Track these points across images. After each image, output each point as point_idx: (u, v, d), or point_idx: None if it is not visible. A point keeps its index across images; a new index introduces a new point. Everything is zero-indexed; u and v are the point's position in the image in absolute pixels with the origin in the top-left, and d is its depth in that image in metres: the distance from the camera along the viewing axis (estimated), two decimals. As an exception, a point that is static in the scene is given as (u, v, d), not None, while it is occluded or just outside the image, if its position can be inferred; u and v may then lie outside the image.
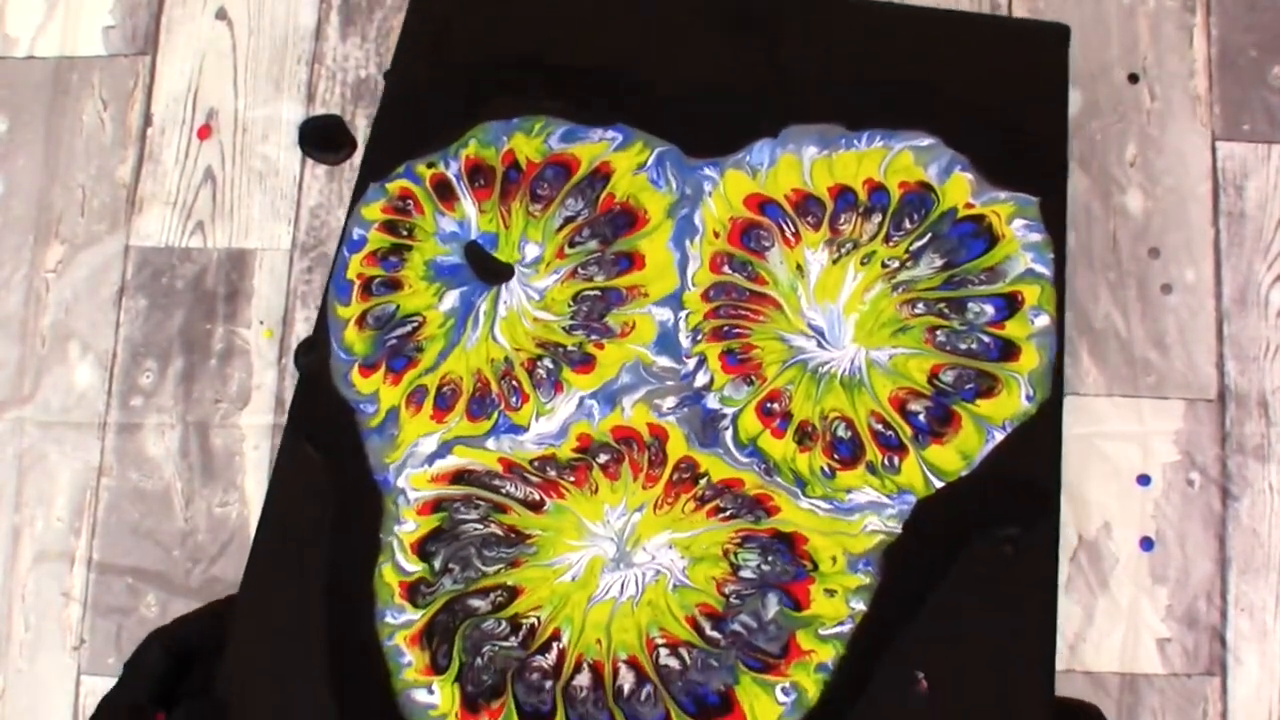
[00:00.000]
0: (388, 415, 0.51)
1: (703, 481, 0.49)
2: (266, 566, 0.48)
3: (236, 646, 0.47)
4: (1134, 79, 0.63)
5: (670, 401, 0.50)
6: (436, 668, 0.47)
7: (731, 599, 0.47)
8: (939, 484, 0.48)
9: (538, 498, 0.49)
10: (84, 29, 0.69)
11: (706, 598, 0.47)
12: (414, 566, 0.48)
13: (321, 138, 0.66)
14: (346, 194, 0.65)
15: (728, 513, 0.48)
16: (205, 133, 0.67)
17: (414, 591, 0.48)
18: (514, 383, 0.51)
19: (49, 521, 0.63)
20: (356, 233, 0.54)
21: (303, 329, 0.63)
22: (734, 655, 0.46)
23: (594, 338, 0.51)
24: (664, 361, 0.51)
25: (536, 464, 0.50)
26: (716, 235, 0.53)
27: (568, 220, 0.53)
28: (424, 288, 0.53)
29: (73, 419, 0.64)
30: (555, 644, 0.47)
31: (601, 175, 0.54)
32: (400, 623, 0.47)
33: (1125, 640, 0.57)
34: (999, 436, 0.48)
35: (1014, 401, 0.49)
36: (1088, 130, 0.62)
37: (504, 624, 0.47)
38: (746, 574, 0.47)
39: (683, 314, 0.52)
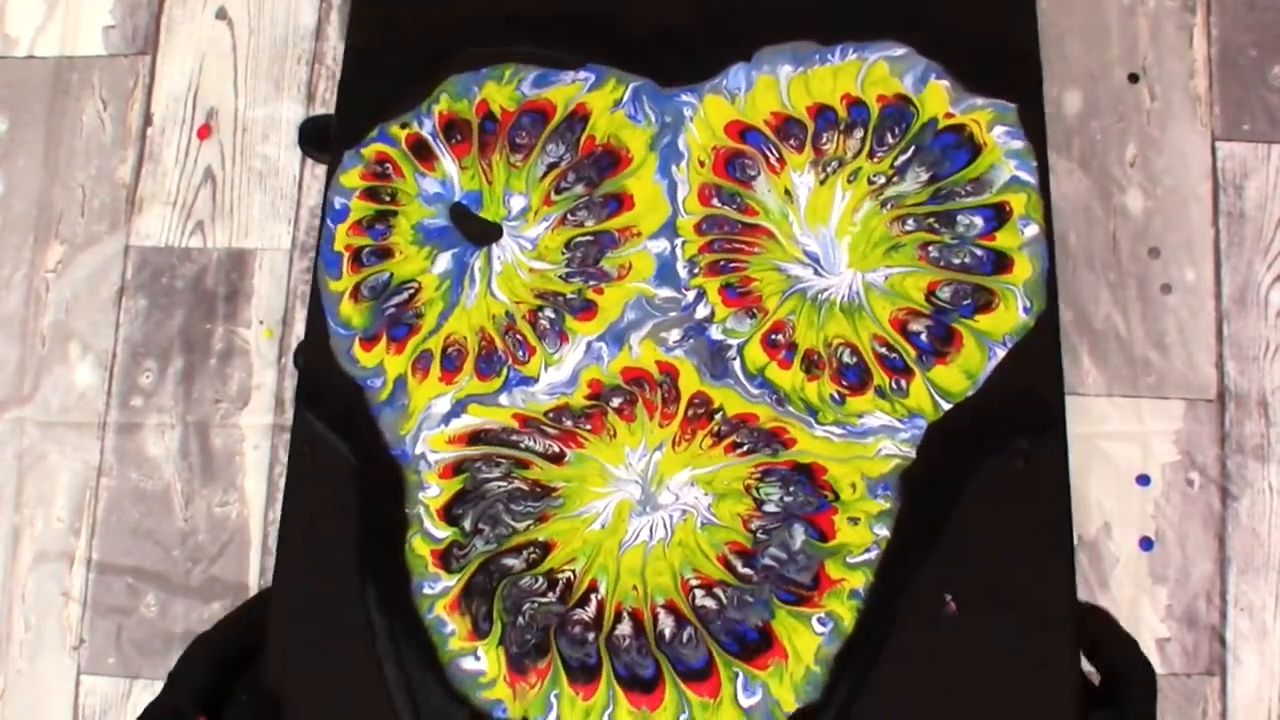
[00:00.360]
0: (395, 385, 0.50)
1: (718, 417, 0.49)
2: (295, 558, 0.48)
3: (277, 642, 0.47)
4: (1134, 79, 0.63)
5: (675, 334, 0.50)
6: (479, 632, 0.47)
7: (759, 534, 0.47)
8: (947, 406, 0.48)
9: (557, 449, 0.49)
10: (84, 29, 0.69)
11: (735, 535, 0.47)
12: (443, 532, 0.48)
13: (321, 137, 0.66)
14: (346, 194, 0.65)
15: (745, 448, 0.48)
16: (205, 133, 0.67)
17: (447, 557, 0.48)
18: (518, 336, 0.51)
19: (49, 521, 0.63)
20: (338, 202, 0.53)
21: (302, 329, 0.63)
22: (768, 590, 0.46)
23: (592, 283, 0.51)
24: (665, 293, 0.51)
25: (551, 415, 0.50)
26: (702, 164, 0.52)
27: (551, 167, 0.53)
28: (415, 252, 0.52)
29: (73, 419, 0.64)
30: (593, 595, 0.47)
31: (579, 117, 0.53)
32: (438, 591, 0.47)
33: (1125, 640, 0.57)
34: (1000, 353, 0.48)
35: (1012, 315, 0.49)
36: (1088, 130, 0.62)
37: (541, 580, 0.47)
38: (770, 508, 0.48)
39: (679, 242, 0.52)
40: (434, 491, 0.49)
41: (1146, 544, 0.58)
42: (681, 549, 0.47)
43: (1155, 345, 0.60)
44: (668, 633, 0.46)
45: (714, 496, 0.48)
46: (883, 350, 0.49)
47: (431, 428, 0.50)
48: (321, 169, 0.65)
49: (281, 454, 0.62)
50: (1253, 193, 0.61)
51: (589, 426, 0.49)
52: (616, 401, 0.50)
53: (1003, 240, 0.50)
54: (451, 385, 0.50)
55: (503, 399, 0.50)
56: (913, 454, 0.48)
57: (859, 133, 0.52)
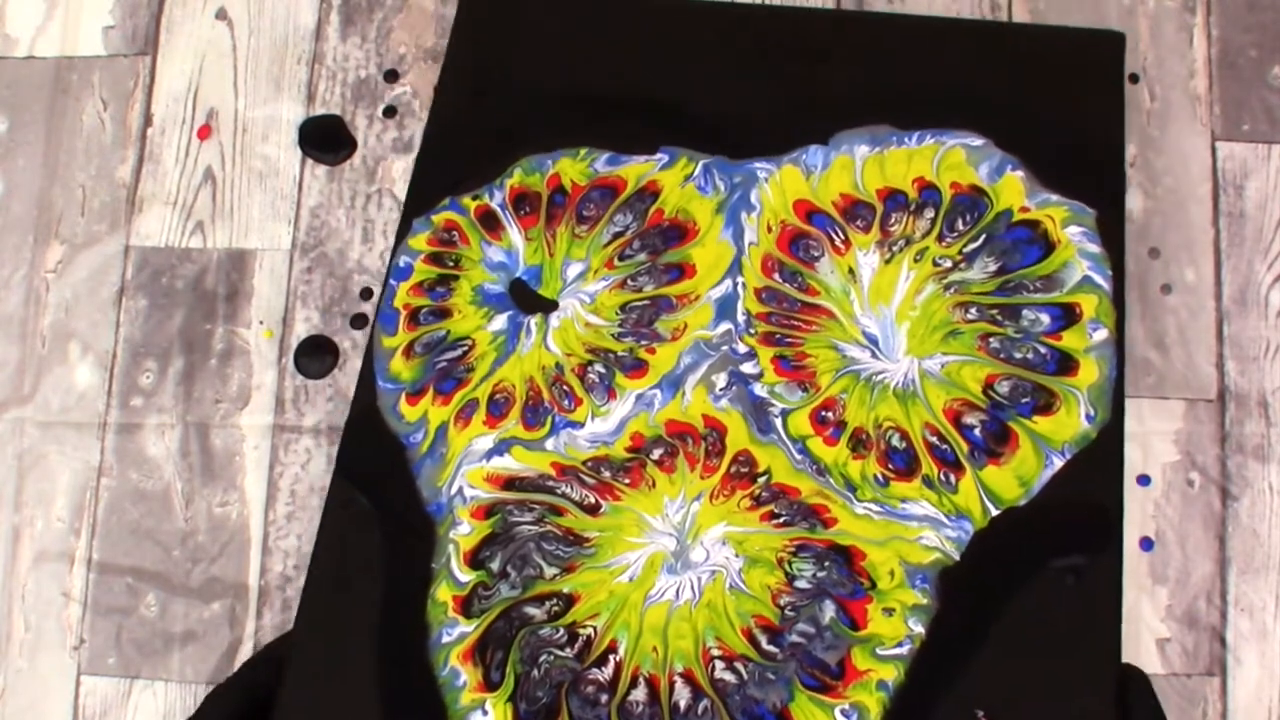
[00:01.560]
0: (436, 434, 0.50)
1: (761, 480, 0.48)
2: (318, 615, 0.48)
3: (290, 697, 0.46)
4: (1134, 79, 0.63)
5: (722, 379, 0.50)
6: (489, 684, 0.46)
7: (787, 610, 0.46)
8: (995, 511, 0.47)
9: (593, 500, 0.49)
10: (84, 29, 0.69)
11: (763, 608, 0.46)
12: (468, 576, 0.48)
13: (321, 138, 0.66)
14: (347, 194, 0.65)
15: (782, 519, 0.48)
16: (205, 133, 0.67)
17: (469, 603, 0.47)
18: (565, 387, 0.51)
19: (49, 521, 0.63)
20: (403, 260, 0.53)
21: (303, 329, 0.63)
22: (793, 668, 0.45)
23: (644, 343, 0.51)
24: (723, 327, 0.51)
25: (590, 464, 0.49)
26: (770, 229, 0.52)
27: (616, 236, 0.53)
28: (472, 312, 0.52)
29: (73, 419, 0.64)
30: (612, 656, 0.46)
31: (650, 192, 0.53)
32: (454, 638, 0.47)
33: (1125, 640, 0.56)
34: (1058, 462, 0.47)
35: (1073, 421, 0.47)
36: (1088, 130, 0.62)
37: (561, 631, 0.47)
38: (802, 584, 0.46)
39: (741, 281, 0.51)
40: (465, 529, 0.49)
41: (1146, 544, 0.58)
42: (708, 611, 0.46)
43: (1155, 345, 0.60)
44: (683, 704, 0.45)
45: (745, 560, 0.47)
46: (934, 440, 0.48)
47: (472, 462, 0.49)
48: (322, 169, 0.65)
49: (282, 454, 0.62)
50: (1253, 193, 0.61)
51: (627, 481, 0.49)
52: (657, 454, 0.49)
53: (1069, 341, 0.49)
54: (495, 429, 0.50)
55: (548, 443, 0.50)
56: (956, 555, 0.46)
57: (929, 213, 0.51)
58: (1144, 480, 0.58)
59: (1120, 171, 0.51)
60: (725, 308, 0.51)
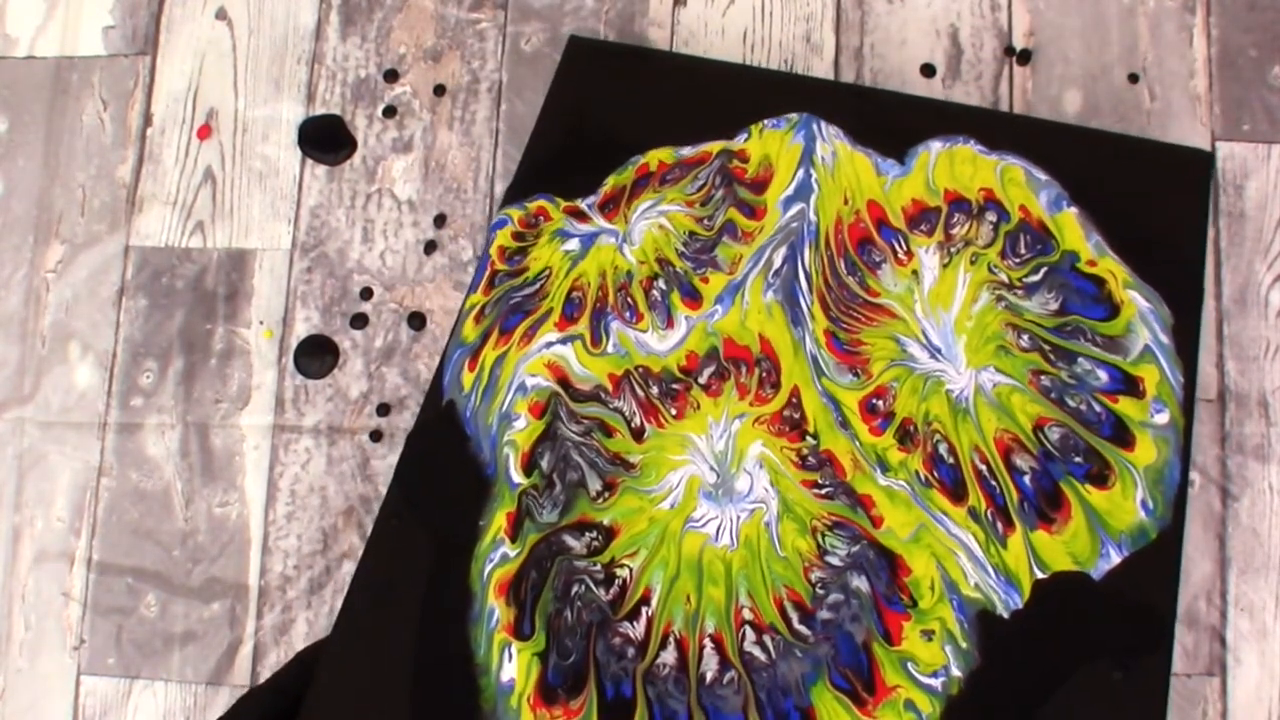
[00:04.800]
0: (493, 368, 0.52)
1: (809, 441, 0.49)
2: (355, 621, 0.48)
3: (324, 686, 0.47)
4: (1134, 79, 0.63)
5: (780, 256, 0.51)
6: (520, 631, 0.47)
7: (817, 588, 0.47)
8: (1042, 575, 0.47)
9: (640, 421, 0.50)
10: (84, 29, 0.69)
11: (794, 577, 0.47)
12: (522, 479, 0.49)
13: (321, 138, 0.66)
14: (347, 194, 0.65)
15: (825, 490, 0.48)
16: (205, 133, 0.67)
17: (519, 522, 0.49)
18: (629, 298, 0.52)
19: (49, 521, 0.63)
20: (502, 214, 0.56)
21: (303, 329, 0.63)
22: (825, 651, 0.46)
23: (701, 271, 0.52)
24: (796, 208, 0.52)
25: (641, 371, 0.51)
26: (846, 201, 0.53)
27: (699, 188, 0.54)
28: (549, 246, 0.54)
29: (73, 419, 0.64)
30: (644, 609, 0.47)
31: (738, 156, 0.55)
32: (497, 560, 0.48)
33: (1125, 640, 0.57)
34: (1114, 556, 0.47)
35: (1129, 505, 0.47)
36: (1088, 130, 0.62)
37: (598, 567, 0.48)
38: (834, 560, 0.47)
39: (815, 177, 0.53)
40: (520, 424, 0.50)
41: (1146, 544, 0.57)
42: (745, 551, 0.47)
43: (1155, 345, 0.60)
44: (709, 675, 0.46)
45: (780, 504, 0.48)
46: (982, 468, 0.48)
47: (532, 355, 0.51)
48: (322, 169, 0.65)
49: (282, 454, 0.62)
50: (1253, 193, 0.61)
51: (674, 411, 0.50)
52: (705, 376, 0.50)
53: (1127, 408, 0.49)
54: (565, 331, 0.52)
55: (609, 347, 0.51)
56: (1004, 612, 0.46)
57: (991, 216, 0.52)
58: (1144, 480, 0.58)
59: (1199, 280, 0.52)
60: (798, 195, 0.53)
